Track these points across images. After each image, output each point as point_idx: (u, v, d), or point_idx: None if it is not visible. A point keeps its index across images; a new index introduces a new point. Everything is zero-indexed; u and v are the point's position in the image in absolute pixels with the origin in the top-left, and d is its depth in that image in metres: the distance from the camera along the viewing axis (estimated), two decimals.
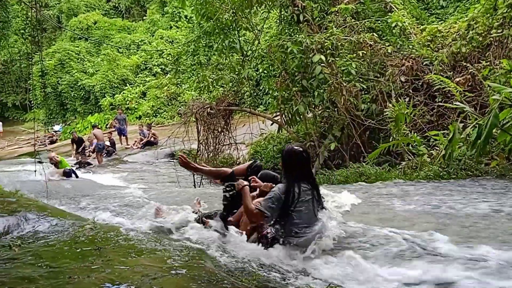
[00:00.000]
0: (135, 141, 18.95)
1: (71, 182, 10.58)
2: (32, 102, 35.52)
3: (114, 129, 20.66)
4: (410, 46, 8.74)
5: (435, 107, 7.79)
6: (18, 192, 5.16)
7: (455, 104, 6.34)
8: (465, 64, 7.71)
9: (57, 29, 36.87)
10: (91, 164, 15.51)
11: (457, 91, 6.55)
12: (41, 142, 26.27)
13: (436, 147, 6.71)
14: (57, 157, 12.02)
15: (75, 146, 17.21)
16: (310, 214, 3.30)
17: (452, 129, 5.76)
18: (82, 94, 29.31)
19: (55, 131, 29.31)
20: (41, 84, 30.35)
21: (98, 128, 18.55)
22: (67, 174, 11.43)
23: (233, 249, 3.20)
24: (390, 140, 7.18)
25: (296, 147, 3.44)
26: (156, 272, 2.27)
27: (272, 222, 3.34)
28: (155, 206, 4.74)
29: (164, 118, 25.65)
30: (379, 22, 9.27)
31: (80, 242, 3.03)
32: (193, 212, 4.39)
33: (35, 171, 7.09)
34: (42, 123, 30.71)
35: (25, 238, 3.10)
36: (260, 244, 3.33)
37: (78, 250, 2.79)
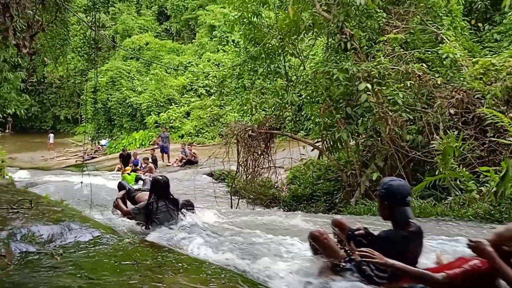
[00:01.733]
0: (176, 159, 19.31)
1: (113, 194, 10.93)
2: (82, 116, 37.24)
3: (157, 147, 21.19)
4: (461, 78, 8.45)
5: (486, 142, 7.44)
6: (63, 202, 5.34)
7: (508, 140, 6.05)
8: None
9: (111, 48, 38.75)
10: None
11: (510, 126, 6.24)
12: (87, 155, 27.32)
13: (486, 184, 6.37)
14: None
15: (122, 160, 17.86)
16: (168, 219, 5.09)
17: (505, 165, 5.49)
18: (129, 111, 30.38)
19: (101, 145, 30.41)
20: (93, 99, 31.76)
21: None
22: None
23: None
24: (436, 173, 6.90)
25: (160, 178, 5.39)
26: None
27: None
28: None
29: (206, 138, 26.07)
30: (429, 52, 9.05)
31: (118, 256, 3.06)
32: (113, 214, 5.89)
33: (81, 182, 7.35)
34: (90, 136, 32.00)
35: (67, 247, 3.17)
36: None
37: (116, 264, 2.82)
